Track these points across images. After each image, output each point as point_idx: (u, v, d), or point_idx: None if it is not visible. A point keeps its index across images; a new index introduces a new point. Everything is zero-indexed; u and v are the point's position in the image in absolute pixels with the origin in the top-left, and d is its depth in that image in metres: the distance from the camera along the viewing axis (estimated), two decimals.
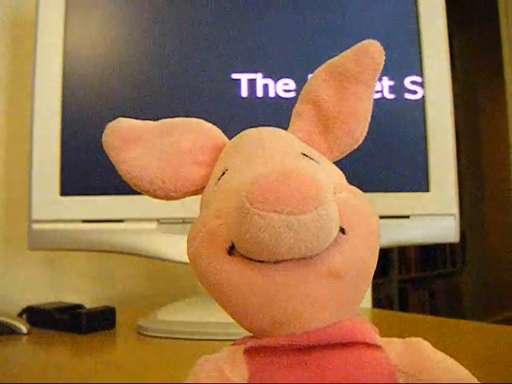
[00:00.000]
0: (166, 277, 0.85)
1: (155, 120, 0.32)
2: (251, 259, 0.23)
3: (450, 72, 0.66)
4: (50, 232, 0.62)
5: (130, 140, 0.30)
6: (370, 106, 0.30)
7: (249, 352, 0.25)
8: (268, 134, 0.29)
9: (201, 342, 0.54)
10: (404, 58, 0.66)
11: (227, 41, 0.66)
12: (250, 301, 0.24)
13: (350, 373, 0.23)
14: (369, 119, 0.30)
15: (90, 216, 0.62)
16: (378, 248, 0.26)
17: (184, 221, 0.61)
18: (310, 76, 0.31)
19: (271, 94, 0.64)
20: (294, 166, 0.26)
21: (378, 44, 0.30)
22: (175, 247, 0.61)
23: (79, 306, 0.63)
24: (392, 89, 0.65)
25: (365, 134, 0.30)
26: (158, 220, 0.62)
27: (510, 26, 1.78)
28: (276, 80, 0.64)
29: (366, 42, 0.30)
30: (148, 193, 0.30)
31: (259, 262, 0.23)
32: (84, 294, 0.80)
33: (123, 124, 0.31)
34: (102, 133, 0.30)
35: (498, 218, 3.15)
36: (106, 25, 0.67)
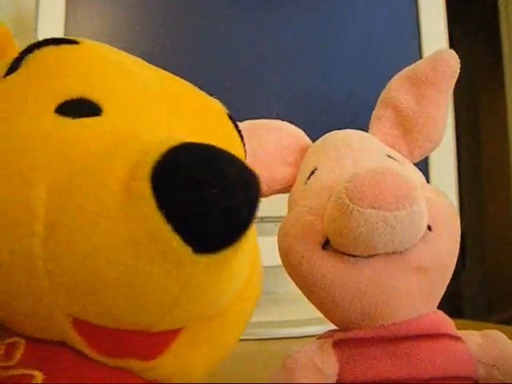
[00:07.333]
0: None
1: None
2: (344, 253, 0.24)
3: None
4: None
5: None
6: (448, 112, 0.31)
7: (337, 344, 0.26)
8: (354, 136, 0.30)
9: None
10: (404, 58, 0.66)
11: None
12: (342, 294, 0.25)
13: (436, 363, 0.24)
14: (446, 124, 0.31)
15: None
16: (458, 245, 0.27)
17: None
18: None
19: None
20: (386, 166, 0.27)
21: (454, 52, 0.31)
22: None
23: None
24: None
25: (443, 138, 0.31)
26: None
27: (511, 27, 1.79)
28: None
29: (442, 49, 0.31)
30: None
31: (352, 256, 0.24)
32: None
33: None
34: None
35: (498, 218, 3.16)
36: (106, 23, 0.67)
